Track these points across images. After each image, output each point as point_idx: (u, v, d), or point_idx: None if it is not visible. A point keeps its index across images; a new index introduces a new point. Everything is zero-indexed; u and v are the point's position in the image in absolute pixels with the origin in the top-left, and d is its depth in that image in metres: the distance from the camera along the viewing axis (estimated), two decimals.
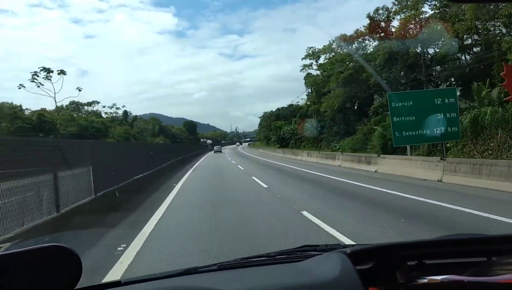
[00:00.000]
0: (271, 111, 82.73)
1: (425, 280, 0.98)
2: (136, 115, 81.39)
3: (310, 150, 34.18)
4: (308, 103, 52.59)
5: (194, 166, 29.70)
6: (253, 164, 28.50)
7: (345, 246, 1.44)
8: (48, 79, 49.10)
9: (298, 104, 65.04)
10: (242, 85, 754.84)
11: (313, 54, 43.87)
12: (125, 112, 75.50)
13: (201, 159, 43.08)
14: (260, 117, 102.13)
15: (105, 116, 67.14)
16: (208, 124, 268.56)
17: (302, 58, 45.29)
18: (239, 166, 26.27)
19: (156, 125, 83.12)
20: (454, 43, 22.71)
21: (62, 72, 50.61)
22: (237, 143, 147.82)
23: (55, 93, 50.46)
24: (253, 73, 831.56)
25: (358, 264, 1.00)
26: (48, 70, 49.19)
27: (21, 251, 0.90)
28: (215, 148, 79.84)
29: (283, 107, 74.68)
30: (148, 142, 53.38)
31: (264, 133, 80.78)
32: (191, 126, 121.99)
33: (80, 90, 55.25)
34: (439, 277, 0.95)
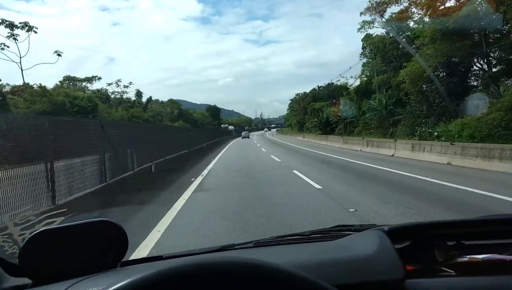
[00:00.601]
0: (304, 92, 69.96)
1: (466, 259, 0.99)
2: (150, 97, 70.87)
3: (380, 139, 23.28)
4: (364, 76, 40.74)
5: (217, 157, 22.22)
6: (299, 160, 18.35)
7: (381, 225, 1.23)
8: (14, 39, 35.50)
9: (339, 84, 54.77)
10: (267, 71, 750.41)
11: (377, 7, 30.68)
12: (138, 93, 64.04)
13: (225, 148, 32.34)
14: (291, 100, 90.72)
15: (112, 96, 55.43)
16: (232, 110, 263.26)
17: (361, 13, 32.93)
18: (283, 164, 16.22)
19: (175, 108, 73.20)
20: None
21: (26, 25, 35.50)
22: (265, 129, 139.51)
23: (20, 58, 36.53)
24: (278, 59, 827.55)
25: (396, 242, 0.98)
26: (10, 25, 35.00)
27: (74, 225, 0.99)
28: (242, 133, 74.34)
29: (320, 86, 62.72)
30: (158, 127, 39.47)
31: (298, 118, 67.83)
32: (214, 111, 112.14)
33: (59, 55, 38.78)
34: (480, 256, 0.96)
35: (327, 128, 44.05)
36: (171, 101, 79.73)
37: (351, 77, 50.82)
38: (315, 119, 49.17)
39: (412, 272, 0.94)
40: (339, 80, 55.27)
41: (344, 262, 0.92)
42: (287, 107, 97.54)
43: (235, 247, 1.36)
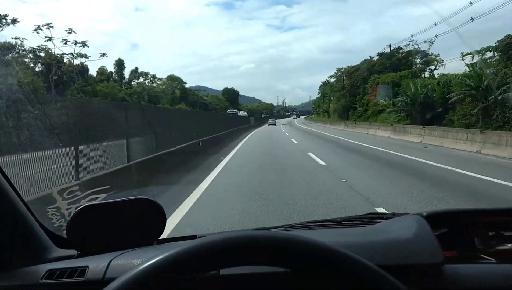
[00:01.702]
0: (349, 66, 50.52)
1: (508, 246, 0.97)
2: (136, 68, 56.27)
3: None
4: None
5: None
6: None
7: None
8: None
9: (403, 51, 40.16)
10: (290, 57, 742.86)
11: None
12: (120, 63, 47.62)
13: (236, 149, 17.75)
14: (323, 82, 74.38)
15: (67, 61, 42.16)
16: (253, 97, 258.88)
17: None
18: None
19: (176, 87, 59.74)
20: None
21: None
22: (294, 116, 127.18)
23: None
24: (301, 45, 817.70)
25: (433, 228, 0.95)
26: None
27: (116, 201, 1.05)
28: (269, 121, 69.09)
29: (382, 53, 43.89)
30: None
31: (342, 101, 47.91)
32: (231, 95, 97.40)
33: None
34: None
35: (426, 113, 24.78)
36: (170, 77, 64.32)
37: (425, 41, 37.79)
38: (402, 98, 27.68)
39: (450, 258, 0.93)
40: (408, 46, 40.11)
41: (381, 244, 0.90)
42: (318, 91, 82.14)
43: (266, 229, 1.37)
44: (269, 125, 59.96)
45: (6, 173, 1.06)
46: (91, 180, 6.21)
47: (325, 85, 72.81)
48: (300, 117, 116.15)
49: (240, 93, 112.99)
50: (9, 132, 5.22)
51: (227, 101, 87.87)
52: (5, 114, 5.15)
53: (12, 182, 1.08)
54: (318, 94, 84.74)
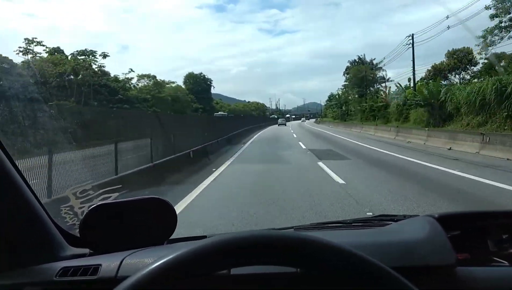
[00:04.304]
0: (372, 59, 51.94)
1: None
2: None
3: None
4: None
5: None
6: None
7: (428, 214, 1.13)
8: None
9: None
10: (281, 61, 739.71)
11: None
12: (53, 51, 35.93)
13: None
14: (347, 73, 58.65)
15: None
16: (245, 100, 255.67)
17: None
18: None
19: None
20: None
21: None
22: (303, 119, 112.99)
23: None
24: (292, 49, 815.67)
25: (446, 230, 0.94)
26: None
27: (128, 200, 1.06)
28: (279, 121, 64.94)
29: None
30: None
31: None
32: (199, 84, 63.05)
33: None
34: None
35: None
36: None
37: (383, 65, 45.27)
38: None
39: (463, 260, 0.92)
40: None
41: (394, 245, 0.89)
42: (340, 88, 65.95)
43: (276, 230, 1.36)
44: (278, 125, 57.32)
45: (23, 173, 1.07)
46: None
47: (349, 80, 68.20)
48: (310, 120, 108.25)
49: (231, 96, 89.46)
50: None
51: (190, 94, 57.72)
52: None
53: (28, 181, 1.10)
54: (326, 101, 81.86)
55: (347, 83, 59.19)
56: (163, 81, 53.17)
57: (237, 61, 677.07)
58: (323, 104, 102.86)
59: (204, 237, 1.23)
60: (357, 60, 59.09)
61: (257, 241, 0.63)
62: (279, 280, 0.80)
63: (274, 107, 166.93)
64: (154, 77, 50.62)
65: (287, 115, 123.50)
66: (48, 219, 1.12)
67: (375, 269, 0.62)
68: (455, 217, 1.07)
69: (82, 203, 1.20)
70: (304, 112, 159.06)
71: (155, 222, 1.06)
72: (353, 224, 1.39)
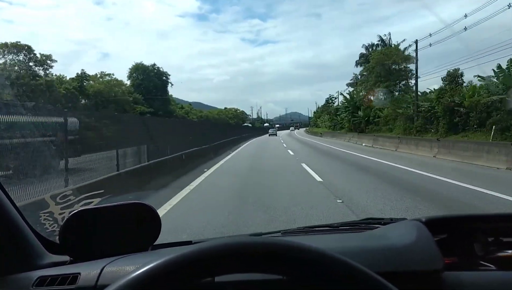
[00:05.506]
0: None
1: (508, 253, 0.96)
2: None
3: None
4: None
5: None
6: None
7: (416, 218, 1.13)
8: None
9: None
10: (263, 71, 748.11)
11: None
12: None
13: None
14: (363, 62, 45.81)
15: None
16: (225, 108, 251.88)
17: None
18: None
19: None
20: None
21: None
22: (291, 128, 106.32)
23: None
24: (275, 59, 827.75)
25: (432, 234, 0.93)
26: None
27: (111, 206, 1.03)
28: (270, 131, 62.14)
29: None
30: None
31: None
32: (149, 79, 46.33)
33: None
34: None
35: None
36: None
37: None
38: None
39: (450, 265, 0.91)
40: None
41: (380, 251, 0.88)
42: (348, 90, 51.98)
43: (262, 235, 1.35)
44: (269, 135, 54.78)
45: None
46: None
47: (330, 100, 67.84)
48: (300, 129, 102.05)
49: (213, 105, 74.24)
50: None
51: (137, 92, 42.51)
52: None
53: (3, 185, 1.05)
54: (317, 108, 76.52)
55: (363, 75, 43.91)
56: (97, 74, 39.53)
57: (220, 70, 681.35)
58: (310, 114, 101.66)
59: (190, 242, 1.22)
60: (376, 44, 42.32)
61: (243, 248, 0.61)
62: (264, 286, 0.79)
63: (255, 116, 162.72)
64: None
65: (277, 125, 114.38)
66: (25, 225, 1.07)
67: (362, 275, 0.60)
68: (442, 220, 1.07)
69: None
70: (286, 122, 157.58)
71: (139, 228, 1.04)
72: (340, 227, 1.38)
